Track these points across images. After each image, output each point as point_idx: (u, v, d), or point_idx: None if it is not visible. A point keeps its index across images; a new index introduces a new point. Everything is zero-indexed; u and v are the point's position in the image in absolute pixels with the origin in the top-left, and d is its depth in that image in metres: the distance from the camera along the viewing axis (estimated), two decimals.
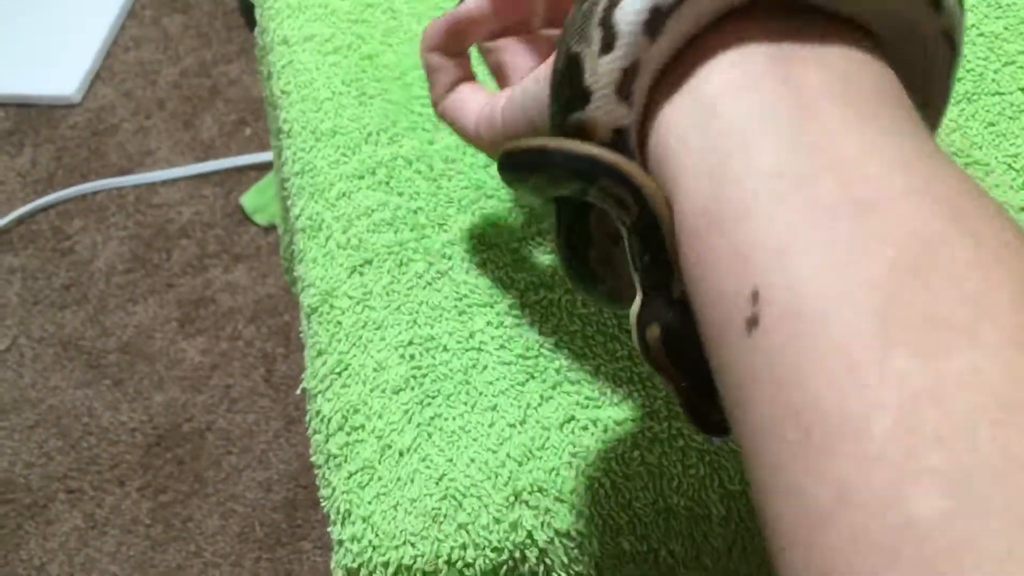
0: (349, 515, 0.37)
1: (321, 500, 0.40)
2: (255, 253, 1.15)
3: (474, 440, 0.38)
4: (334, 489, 0.38)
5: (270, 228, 1.17)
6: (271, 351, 1.06)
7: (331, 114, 0.51)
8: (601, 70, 0.26)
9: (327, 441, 0.39)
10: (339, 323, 0.42)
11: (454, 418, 0.38)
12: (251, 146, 1.26)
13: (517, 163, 0.31)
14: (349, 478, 0.38)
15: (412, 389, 0.39)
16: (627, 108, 0.26)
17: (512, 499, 0.36)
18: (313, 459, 0.41)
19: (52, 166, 1.26)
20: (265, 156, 1.22)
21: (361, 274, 0.44)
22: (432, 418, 0.38)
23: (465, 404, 0.39)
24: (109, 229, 1.19)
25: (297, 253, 0.48)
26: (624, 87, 0.26)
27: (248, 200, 1.19)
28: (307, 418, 0.42)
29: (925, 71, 0.28)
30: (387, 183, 0.47)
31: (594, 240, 0.32)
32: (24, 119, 1.32)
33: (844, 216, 0.21)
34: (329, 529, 0.38)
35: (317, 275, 0.44)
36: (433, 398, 0.39)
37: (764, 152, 0.23)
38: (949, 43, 0.28)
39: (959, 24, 0.27)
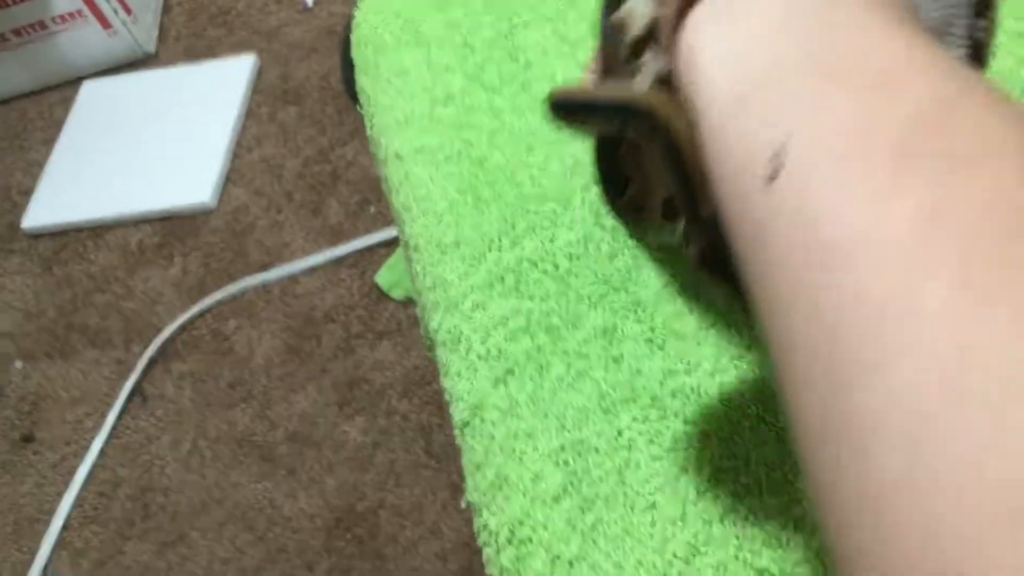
0: None
1: None
2: (396, 328, 1.20)
3: (639, 542, 0.39)
4: None
5: (407, 302, 1.22)
6: (427, 422, 1.10)
7: (452, 225, 0.53)
8: None
9: (498, 554, 0.41)
10: (492, 436, 0.44)
11: (616, 521, 0.40)
12: (377, 224, 1.31)
13: (566, 111, 0.36)
14: None
15: (571, 496, 0.41)
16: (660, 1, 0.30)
17: None
18: (488, 572, 0.43)
19: (201, 272, 1.35)
20: (391, 232, 1.27)
21: (505, 384, 0.45)
22: (595, 524, 0.40)
23: (624, 506, 0.40)
24: (261, 324, 1.26)
25: (441, 366, 0.50)
26: None
27: (382, 278, 1.24)
28: (475, 529, 0.44)
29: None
30: (517, 288, 0.49)
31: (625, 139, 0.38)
32: (169, 231, 1.42)
33: (865, 82, 0.23)
34: None
35: (464, 389, 0.47)
36: (592, 503, 0.40)
37: (789, 40, 0.26)
38: None
39: None
